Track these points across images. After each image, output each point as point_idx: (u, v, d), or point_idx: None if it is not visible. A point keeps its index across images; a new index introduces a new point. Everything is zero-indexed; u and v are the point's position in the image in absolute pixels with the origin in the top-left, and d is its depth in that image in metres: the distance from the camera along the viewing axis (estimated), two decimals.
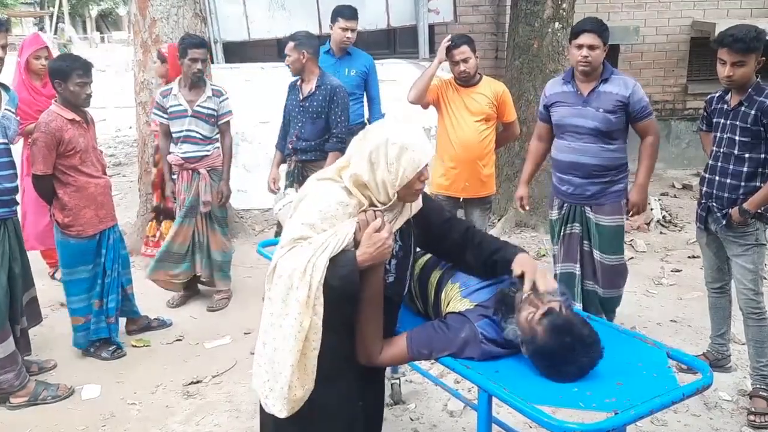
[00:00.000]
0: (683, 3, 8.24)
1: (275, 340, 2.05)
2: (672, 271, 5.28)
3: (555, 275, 3.94)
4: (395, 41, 8.19)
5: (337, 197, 2.07)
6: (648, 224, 6.14)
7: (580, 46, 3.57)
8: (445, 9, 7.37)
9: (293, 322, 1.98)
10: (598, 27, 3.57)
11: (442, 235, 2.36)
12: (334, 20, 4.93)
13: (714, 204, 3.38)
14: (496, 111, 4.21)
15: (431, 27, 7.54)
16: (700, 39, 8.15)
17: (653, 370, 2.11)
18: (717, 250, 3.53)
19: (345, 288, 2.00)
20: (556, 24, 5.97)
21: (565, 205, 3.83)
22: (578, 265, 3.87)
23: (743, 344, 3.98)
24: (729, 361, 3.74)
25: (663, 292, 4.88)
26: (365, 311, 2.11)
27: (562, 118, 3.73)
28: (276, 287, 2.03)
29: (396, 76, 6.86)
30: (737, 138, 3.25)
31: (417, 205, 2.25)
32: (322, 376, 2.10)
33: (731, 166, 3.29)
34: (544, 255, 5.58)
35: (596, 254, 3.81)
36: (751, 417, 3.29)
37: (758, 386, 3.40)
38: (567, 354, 2.02)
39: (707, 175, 3.43)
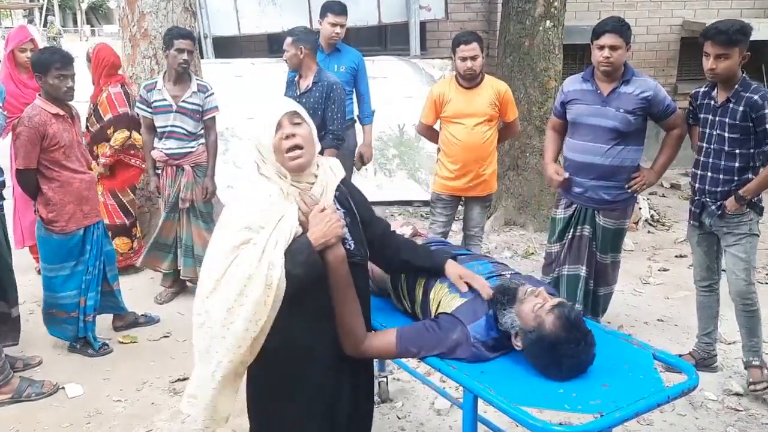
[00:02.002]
0: (674, 2, 8.27)
1: (217, 353, 1.99)
2: (659, 270, 5.30)
3: (555, 276, 3.96)
4: (386, 38, 8.17)
5: (259, 190, 2.06)
6: (636, 223, 6.17)
7: (601, 47, 3.53)
8: (437, 6, 7.35)
9: (245, 325, 1.92)
10: (620, 27, 3.53)
11: (365, 224, 2.29)
12: (323, 15, 4.91)
13: (708, 200, 3.40)
14: (498, 111, 4.23)
15: (422, 24, 7.53)
16: (691, 39, 8.17)
17: (639, 371, 2.11)
18: (707, 248, 3.56)
19: (310, 273, 1.97)
20: (548, 22, 5.96)
21: (574, 205, 3.82)
22: (584, 267, 3.87)
23: (729, 344, 4.02)
24: (715, 361, 3.76)
25: (650, 291, 4.90)
26: (339, 297, 2.06)
27: (580, 116, 3.71)
28: (224, 294, 1.94)
29: (387, 73, 6.87)
30: (726, 135, 3.27)
31: (339, 171, 2.20)
32: (291, 365, 2.10)
33: (723, 162, 3.31)
34: (532, 254, 5.59)
35: (597, 254, 3.85)
36: (752, 387, 3.40)
37: (750, 359, 3.51)
38: (572, 347, 2.02)
39: (699, 172, 3.44)
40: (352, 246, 2.14)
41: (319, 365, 2.13)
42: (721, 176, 3.33)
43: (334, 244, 2.01)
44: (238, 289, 1.92)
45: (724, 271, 3.58)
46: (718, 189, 3.34)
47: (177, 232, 4.59)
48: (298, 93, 4.40)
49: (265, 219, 1.97)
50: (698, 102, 3.46)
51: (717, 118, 3.32)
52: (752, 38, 3.23)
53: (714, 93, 3.35)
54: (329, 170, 2.17)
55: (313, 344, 2.10)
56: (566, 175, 3.77)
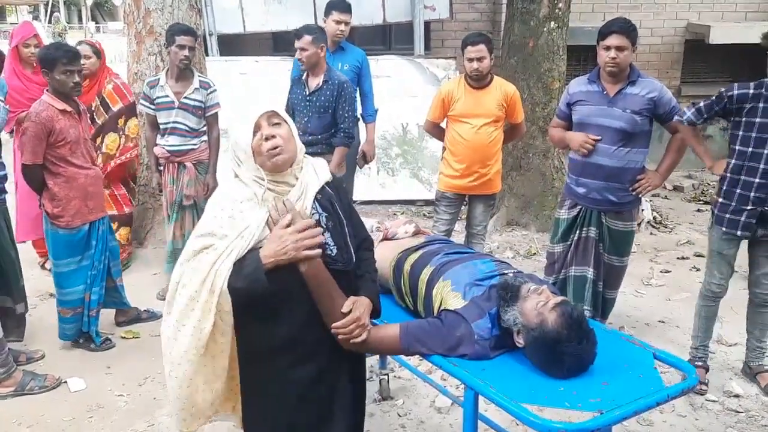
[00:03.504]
0: (678, 5, 8.26)
1: (171, 355, 2.03)
2: (661, 272, 5.30)
3: (562, 278, 3.95)
4: (390, 37, 8.18)
5: (229, 195, 2.03)
6: (639, 225, 6.17)
7: (608, 48, 3.52)
8: (441, 6, 7.36)
9: (192, 330, 1.95)
10: (626, 28, 3.51)
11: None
12: (327, 13, 4.93)
13: (767, 208, 3.31)
14: (505, 112, 4.24)
15: (427, 24, 7.54)
16: (695, 41, 8.18)
17: (639, 370, 2.12)
18: (734, 258, 3.53)
19: (252, 288, 1.92)
20: (552, 23, 5.96)
21: (578, 206, 3.81)
22: (592, 269, 3.85)
23: (730, 346, 4.03)
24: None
25: (652, 293, 4.91)
26: (323, 299, 2.03)
27: (586, 117, 3.69)
28: (179, 298, 1.97)
29: (391, 72, 6.89)
30: None
31: (323, 173, 2.13)
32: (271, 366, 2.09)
33: None
34: (534, 254, 5.60)
35: (605, 256, 3.85)
36: None
37: (759, 363, 3.60)
38: (574, 345, 2.03)
39: (758, 180, 3.28)
40: (334, 252, 2.07)
41: (303, 367, 2.10)
42: None
43: (285, 263, 1.93)
44: (190, 293, 1.94)
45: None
46: None
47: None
48: (308, 92, 4.40)
49: (231, 226, 1.95)
50: (749, 104, 3.27)
51: None
52: (758, 42, 3.20)
53: None
54: (313, 172, 2.11)
55: (296, 346, 2.08)
56: (598, 137, 3.61)
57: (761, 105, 3.24)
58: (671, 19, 8.29)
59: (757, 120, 3.25)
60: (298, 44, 4.34)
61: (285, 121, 2.04)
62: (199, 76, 4.53)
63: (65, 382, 3.63)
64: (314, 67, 4.40)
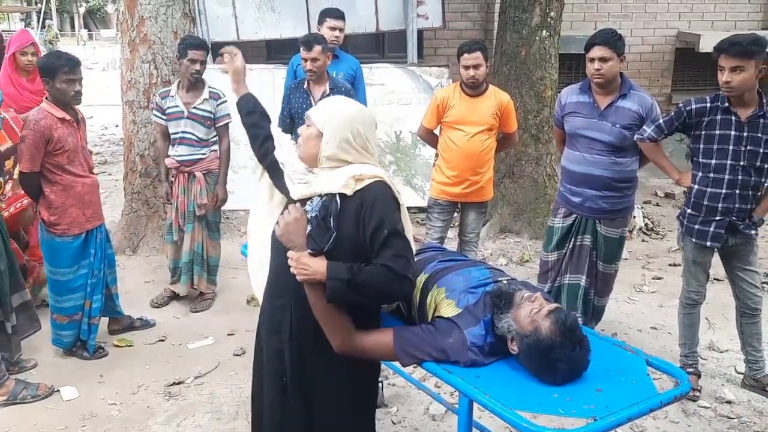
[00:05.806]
0: (669, 14, 8.33)
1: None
2: (653, 278, 5.33)
3: (557, 285, 3.97)
4: (384, 45, 8.21)
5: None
6: (630, 232, 6.20)
7: (592, 60, 3.56)
8: (434, 14, 7.39)
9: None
10: (610, 39, 3.54)
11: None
12: (321, 21, 4.96)
13: (734, 218, 3.35)
14: (499, 121, 4.26)
15: (420, 32, 7.57)
16: (685, 50, 8.24)
17: (632, 377, 2.13)
18: (709, 265, 3.57)
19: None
20: (544, 32, 6.00)
21: (573, 215, 3.83)
22: (584, 276, 3.88)
23: (722, 352, 4.05)
24: None
25: (644, 299, 4.93)
26: (309, 296, 2.11)
27: (576, 128, 3.73)
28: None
29: (384, 81, 6.91)
30: (761, 150, 3.24)
31: (330, 186, 2.14)
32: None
33: (753, 178, 3.29)
34: (527, 261, 5.62)
35: (599, 264, 3.87)
36: None
37: (766, 374, 3.61)
38: (567, 352, 2.04)
39: (722, 191, 3.32)
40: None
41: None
42: (750, 192, 3.30)
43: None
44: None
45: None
46: (748, 206, 3.32)
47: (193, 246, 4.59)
48: (314, 100, 4.39)
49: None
50: (707, 118, 3.31)
51: (746, 134, 3.23)
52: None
53: (732, 108, 3.26)
54: (327, 180, 2.16)
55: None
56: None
57: (719, 117, 3.29)
58: (662, 28, 8.35)
59: (717, 132, 3.30)
60: (308, 54, 4.33)
61: (313, 124, 2.21)
62: (209, 87, 4.52)
63: (58, 390, 3.62)
64: (319, 77, 4.42)
